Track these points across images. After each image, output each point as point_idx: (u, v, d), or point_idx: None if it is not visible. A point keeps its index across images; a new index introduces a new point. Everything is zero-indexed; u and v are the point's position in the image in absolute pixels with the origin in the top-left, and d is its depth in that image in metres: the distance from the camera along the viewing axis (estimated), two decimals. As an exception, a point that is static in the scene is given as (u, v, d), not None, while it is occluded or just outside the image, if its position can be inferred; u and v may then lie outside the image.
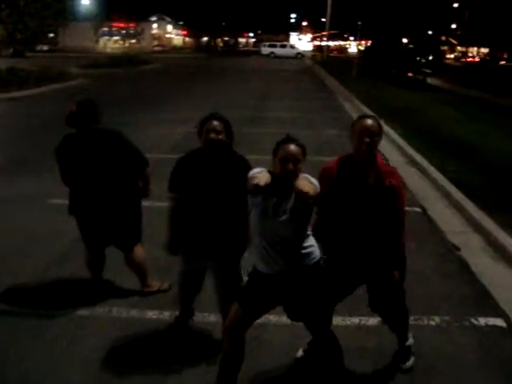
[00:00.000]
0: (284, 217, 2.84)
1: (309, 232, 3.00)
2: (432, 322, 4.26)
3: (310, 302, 3.05)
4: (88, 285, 4.61)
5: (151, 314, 4.26)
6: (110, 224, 4.28)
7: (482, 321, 4.30)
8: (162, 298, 4.48)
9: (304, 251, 2.96)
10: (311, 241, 3.02)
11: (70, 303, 4.39)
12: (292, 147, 2.87)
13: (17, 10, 39.99)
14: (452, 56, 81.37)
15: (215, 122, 3.35)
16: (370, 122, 3.12)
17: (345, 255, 3.27)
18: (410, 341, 3.71)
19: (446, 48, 51.33)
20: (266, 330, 3.97)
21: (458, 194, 7.30)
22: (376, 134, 3.10)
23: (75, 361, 3.66)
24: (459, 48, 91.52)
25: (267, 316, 3.41)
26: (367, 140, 3.06)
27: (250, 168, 3.15)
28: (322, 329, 3.20)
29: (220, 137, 3.35)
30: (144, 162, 4.46)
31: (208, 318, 4.15)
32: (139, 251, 4.49)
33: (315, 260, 3.01)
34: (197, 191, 3.40)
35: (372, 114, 14.67)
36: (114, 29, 77.33)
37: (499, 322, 4.30)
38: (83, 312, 4.28)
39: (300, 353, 3.70)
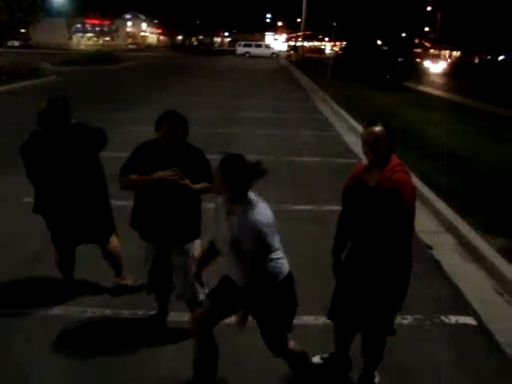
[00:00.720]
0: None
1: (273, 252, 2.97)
2: (404, 321, 4.30)
3: (265, 320, 3.07)
4: (61, 285, 4.55)
5: (126, 313, 4.22)
6: (81, 220, 4.22)
7: (454, 319, 4.37)
8: (137, 297, 4.43)
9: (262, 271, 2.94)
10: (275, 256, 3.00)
11: (43, 303, 4.32)
12: None
13: (-16, 4, 39.11)
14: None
15: (167, 126, 3.58)
16: (370, 129, 3.12)
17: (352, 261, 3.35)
18: (377, 379, 3.56)
19: (419, 50, 51.93)
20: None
21: (430, 195, 7.41)
22: (376, 141, 3.08)
23: (48, 361, 3.61)
24: (432, 51, 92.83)
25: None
26: (365, 147, 3.13)
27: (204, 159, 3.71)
28: (280, 347, 3.18)
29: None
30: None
31: (184, 317, 4.13)
32: (115, 243, 4.48)
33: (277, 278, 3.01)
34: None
35: (346, 114, 14.83)
36: (87, 25, 76.21)
37: (470, 320, 4.38)
38: (56, 311, 4.22)
39: (317, 359, 3.67)
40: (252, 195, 2.93)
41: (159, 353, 3.75)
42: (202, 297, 3.60)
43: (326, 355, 3.69)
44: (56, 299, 4.38)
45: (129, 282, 4.56)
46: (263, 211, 2.88)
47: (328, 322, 3.58)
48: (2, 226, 5.93)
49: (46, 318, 4.15)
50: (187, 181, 3.54)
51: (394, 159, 3.16)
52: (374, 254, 3.15)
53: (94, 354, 3.72)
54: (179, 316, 4.14)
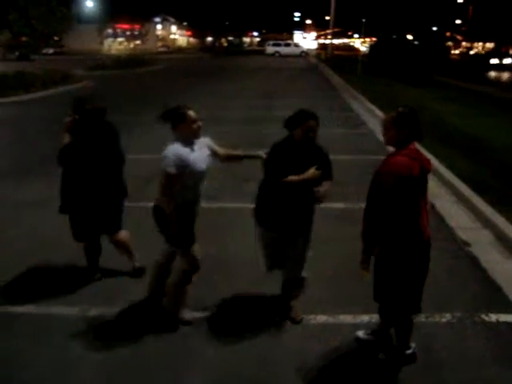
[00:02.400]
0: None
1: None
2: (443, 319, 4.24)
3: None
4: (94, 285, 4.67)
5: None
6: (102, 214, 4.64)
7: (494, 317, 4.28)
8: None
9: None
10: None
11: (81, 303, 4.42)
12: None
13: (24, 14, 40.23)
14: (457, 52, 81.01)
15: (312, 122, 3.78)
16: (383, 117, 3.39)
17: None
18: (412, 349, 3.70)
19: (450, 44, 51.02)
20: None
21: (466, 190, 7.27)
22: (384, 127, 3.34)
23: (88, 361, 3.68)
24: (464, 44, 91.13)
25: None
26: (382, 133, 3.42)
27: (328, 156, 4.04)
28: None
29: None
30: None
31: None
32: (124, 233, 4.91)
33: None
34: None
35: (378, 111, 14.68)
36: (118, 30, 77.52)
37: (511, 318, 4.28)
38: (93, 313, 4.30)
39: (362, 335, 3.86)
40: None
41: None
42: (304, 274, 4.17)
43: (368, 331, 3.87)
44: (89, 297, 4.48)
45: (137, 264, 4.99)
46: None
47: (366, 320, 3.57)
48: (40, 229, 6.06)
49: (87, 317, 4.23)
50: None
51: (411, 146, 3.27)
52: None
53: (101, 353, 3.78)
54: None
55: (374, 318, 3.97)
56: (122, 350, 3.81)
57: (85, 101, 4.46)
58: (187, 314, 4.16)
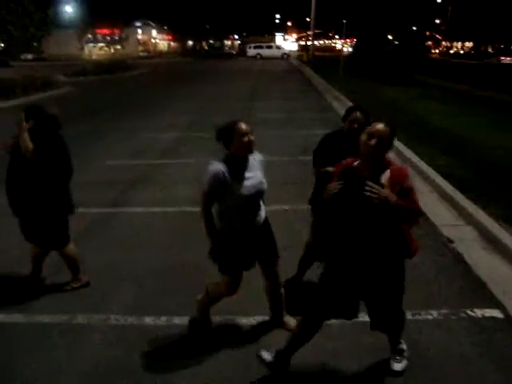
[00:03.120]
0: None
1: None
2: (429, 316, 4.27)
3: None
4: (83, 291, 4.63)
5: (148, 320, 4.24)
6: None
7: (479, 312, 4.31)
8: (160, 304, 4.46)
9: None
10: None
11: (68, 310, 4.37)
12: None
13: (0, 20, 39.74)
14: (437, 51, 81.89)
15: (356, 114, 4.02)
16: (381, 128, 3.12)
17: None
18: (403, 345, 3.69)
19: (430, 43, 51.54)
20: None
21: (448, 187, 7.34)
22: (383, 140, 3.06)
23: (74, 370, 3.64)
24: (444, 43, 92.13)
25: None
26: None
27: None
28: None
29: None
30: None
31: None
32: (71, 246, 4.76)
33: None
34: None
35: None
36: (98, 35, 77.01)
37: (496, 313, 4.32)
38: (80, 320, 4.26)
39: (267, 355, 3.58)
40: None
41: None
42: None
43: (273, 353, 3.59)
44: (80, 306, 4.43)
45: (82, 282, 4.81)
46: None
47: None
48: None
49: (72, 326, 4.18)
50: None
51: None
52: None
53: (118, 364, 3.75)
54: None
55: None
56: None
57: (41, 108, 4.37)
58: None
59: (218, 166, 3.41)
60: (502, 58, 67.64)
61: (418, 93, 20.41)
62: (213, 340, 3.94)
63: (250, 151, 3.53)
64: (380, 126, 3.02)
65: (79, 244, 5.54)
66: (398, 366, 3.56)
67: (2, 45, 43.86)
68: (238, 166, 3.49)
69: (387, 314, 3.37)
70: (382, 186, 2.95)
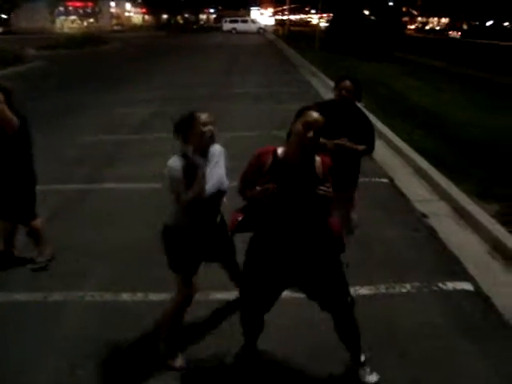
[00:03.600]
0: None
1: None
2: (403, 290, 4.35)
3: None
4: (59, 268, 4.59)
5: (125, 297, 4.23)
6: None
7: (451, 285, 4.41)
8: (135, 280, 4.45)
9: None
10: None
11: (42, 288, 4.34)
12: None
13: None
14: (413, 27, 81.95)
15: (345, 82, 4.10)
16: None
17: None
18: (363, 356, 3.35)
19: (407, 19, 51.53)
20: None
21: (423, 163, 7.42)
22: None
23: (51, 348, 3.63)
24: (420, 19, 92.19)
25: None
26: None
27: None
28: None
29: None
30: None
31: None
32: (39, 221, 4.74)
33: None
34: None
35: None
36: (70, 8, 75.05)
37: (467, 285, 4.42)
38: (56, 298, 4.23)
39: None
40: None
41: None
42: None
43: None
44: (53, 284, 4.40)
45: (47, 257, 4.75)
46: None
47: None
48: None
49: (48, 304, 4.16)
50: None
51: None
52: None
53: (96, 341, 3.74)
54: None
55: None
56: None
57: None
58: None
59: (175, 163, 3.12)
60: (450, 32, 70.18)
61: (394, 69, 20.45)
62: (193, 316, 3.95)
63: (211, 143, 3.21)
64: (315, 115, 2.79)
65: (54, 221, 5.51)
66: (373, 378, 3.28)
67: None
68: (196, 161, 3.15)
69: (335, 298, 3.11)
70: (319, 177, 2.86)
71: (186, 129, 3.13)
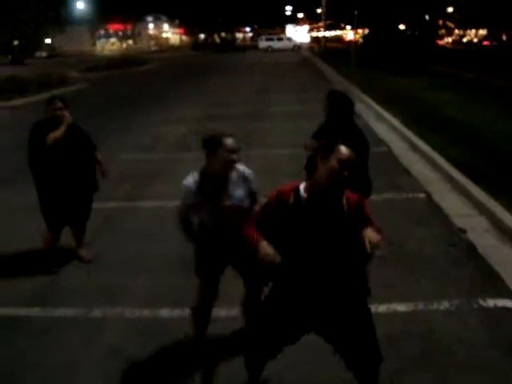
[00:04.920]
0: None
1: None
2: (441, 307, 4.29)
3: None
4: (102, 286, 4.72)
5: (164, 313, 4.32)
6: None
7: (491, 302, 4.32)
8: (174, 296, 4.54)
9: None
10: None
11: (83, 304, 4.47)
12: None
13: (10, 18, 39.98)
14: (450, 40, 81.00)
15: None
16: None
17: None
18: None
19: (443, 32, 50.97)
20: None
21: (461, 178, 7.33)
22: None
23: (90, 363, 3.73)
24: (457, 31, 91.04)
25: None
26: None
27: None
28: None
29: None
30: None
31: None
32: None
33: None
34: None
35: (372, 103, 14.69)
36: (110, 31, 77.32)
37: (508, 303, 4.33)
38: (96, 314, 4.36)
39: None
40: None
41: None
42: None
43: None
44: (96, 301, 4.53)
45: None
46: None
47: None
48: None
49: (88, 320, 4.29)
50: None
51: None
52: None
53: (135, 357, 3.83)
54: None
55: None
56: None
57: None
58: None
59: (190, 181, 3.29)
60: (484, 42, 69.43)
61: (429, 82, 20.22)
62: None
63: (230, 170, 3.27)
64: (348, 152, 2.62)
65: (96, 237, 5.68)
66: None
67: (16, 43, 44.17)
68: (214, 182, 3.27)
69: (361, 355, 2.88)
70: (349, 215, 2.65)
71: (211, 150, 3.20)
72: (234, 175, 3.31)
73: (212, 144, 3.19)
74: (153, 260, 5.29)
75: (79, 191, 4.98)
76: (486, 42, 70.54)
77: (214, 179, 3.26)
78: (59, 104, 4.74)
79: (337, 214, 2.65)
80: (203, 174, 3.28)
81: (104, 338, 4.01)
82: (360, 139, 4.23)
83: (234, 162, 3.21)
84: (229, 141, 3.17)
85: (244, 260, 3.36)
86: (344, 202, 2.67)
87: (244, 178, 3.37)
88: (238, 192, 3.31)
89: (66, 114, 4.76)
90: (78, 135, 4.94)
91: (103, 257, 5.26)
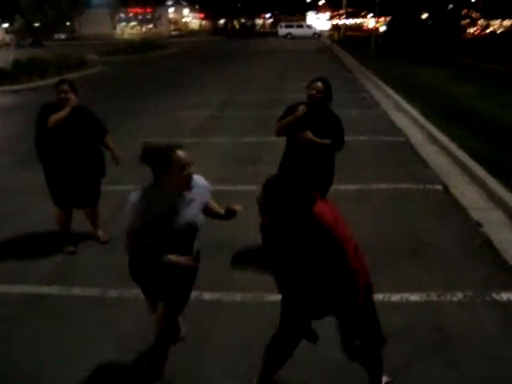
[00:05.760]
0: None
1: None
2: (455, 298, 4.29)
3: None
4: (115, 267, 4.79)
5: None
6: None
7: (505, 296, 4.31)
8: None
9: None
10: None
11: (99, 284, 4.55)
12: None
13: (36, 1, 40.35)
14: (472, 30, 79.65)
15: (317, 83, 4.48)
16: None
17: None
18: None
19: (466, 22, 49.99)
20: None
21: (479, 171, 7.26)
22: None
23: (105, 344, 3.81)
24: (480, 21, 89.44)
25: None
26: None
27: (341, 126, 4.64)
28: None
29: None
30: None
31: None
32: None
33: None
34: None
35: (392, 92, 14.56)
36: (130, 14, 77.26)
37: (522, 297, 4.32)
38: (112, 294, 4.43)
39: None
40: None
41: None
42: None
43: None
44: (111, 281, 4.60)
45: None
46: None
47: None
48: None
49: (104, 300, 4.36)
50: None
51: None
52: None
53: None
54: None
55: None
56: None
57: None
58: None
59: (135, 199, 2.80)
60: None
61: (450, 73, 19.97)
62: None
63: (188, 188, 2.84)
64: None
65: (113, 221, 5.75)
66: None
67: (37, 24, 44.49)
68: (163, 202, 2.82)
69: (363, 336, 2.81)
70: None
71: (161, 167, 2.75)
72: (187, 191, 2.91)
73: (161, 162, 2.73)
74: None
75: (84, 174, 5.02)
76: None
77: (164, 198, 2.83)
78: (65, 87, 4.76)
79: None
80: (151, 193, 2.83)
81: (120, 319, 4.08)
82: (338, 127, 4.70)
83: (191, 178, 2.81)
84: (181, 154, 2.73)
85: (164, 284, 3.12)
86: None
87: (199, 191, 2.99)
88: (191, 210, 2.92)
89: (72, 96, 4.75)
90: (85, 118, 4.95)
91: (120, 238, 5.29)
